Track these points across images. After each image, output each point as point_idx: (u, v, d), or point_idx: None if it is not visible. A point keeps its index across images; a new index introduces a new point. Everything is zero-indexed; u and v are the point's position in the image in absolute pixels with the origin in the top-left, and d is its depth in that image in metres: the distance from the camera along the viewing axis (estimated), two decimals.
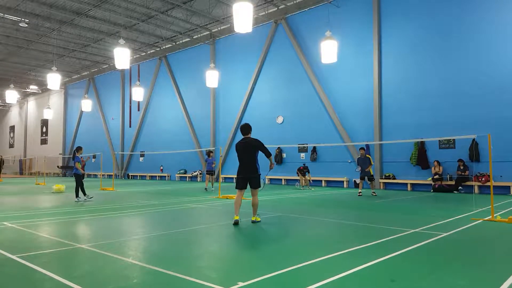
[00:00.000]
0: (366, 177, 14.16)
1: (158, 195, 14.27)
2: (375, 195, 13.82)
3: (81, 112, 36.74)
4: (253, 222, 7.48)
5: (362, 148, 14.32)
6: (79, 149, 12.59)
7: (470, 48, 15.30)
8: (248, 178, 7.43)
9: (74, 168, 12.36)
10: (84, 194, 12.30)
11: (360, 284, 3.79)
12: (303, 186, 17.82)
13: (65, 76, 37.26)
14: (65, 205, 11.05)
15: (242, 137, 7.68)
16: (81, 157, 12.93)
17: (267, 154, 7.40)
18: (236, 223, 7.25)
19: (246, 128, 7.58)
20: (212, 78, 20.98)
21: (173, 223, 7.94)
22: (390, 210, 9.90)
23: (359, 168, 14.09)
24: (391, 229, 6.75)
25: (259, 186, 7.50)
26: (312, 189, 16.86)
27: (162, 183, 23.49)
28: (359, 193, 14.09)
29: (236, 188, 7.58)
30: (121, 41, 18.84)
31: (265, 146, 7.53)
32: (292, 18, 21.12)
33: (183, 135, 27.12)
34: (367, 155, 14.31)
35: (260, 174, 7.52)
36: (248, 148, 7.43)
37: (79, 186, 12.17)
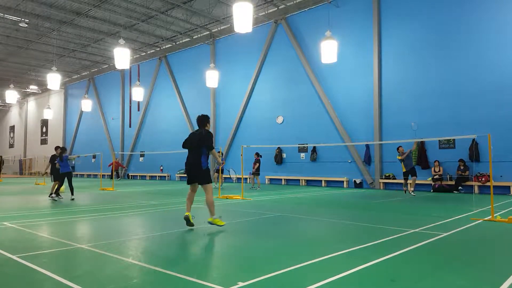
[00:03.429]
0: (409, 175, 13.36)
1: (158, 195, 14.27)
2: (414, 195, 13.28)
3: (81, 112, 36.74)
4: (209, 223, 6.66)
5: (400, 146, 13.72)
6: (65, 149, 12.74)
7: (470, 48, 15.30)
8: (193, 175, 6.79)
9: (63, 167, 12.30)
10: (57, 193, 12.39)
11: (360, 284, 3.79)
12: (253, 186, 17.68)
13: (65, 76, 37.25)
14: (65, 205, 11.05)
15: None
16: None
17: (210, 147, 6.76)
18: (185, 219, 6.55)
19: (201, 120, 7.00)
20: (212, 78, 20.98)
21: (173, 223, 7.92)
22: (390, 210, 9.90)
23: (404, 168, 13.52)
24: (391, 229, 6.75)
25: (208, 182, 6.74)
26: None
27: (162, 183, 23.49)
28: (406, 190, 13.58)
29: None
30: (121, 41, 18.84)
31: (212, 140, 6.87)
32: (292, 18, 21.12)
33: (183, 135, 26.56)
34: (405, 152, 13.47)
35: (206, 170, 6.75)
36: (196, 141, 6.79)
37: (70, 183, 12.34)
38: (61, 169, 12.34)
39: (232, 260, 4.87)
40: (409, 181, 13.96)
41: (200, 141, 6.75)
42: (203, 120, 7.00)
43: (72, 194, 12.49)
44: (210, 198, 6.66)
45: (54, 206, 10.76)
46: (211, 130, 25.01)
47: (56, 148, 13.09)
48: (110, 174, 29.25)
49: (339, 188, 17.90)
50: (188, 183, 6.89)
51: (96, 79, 36.23)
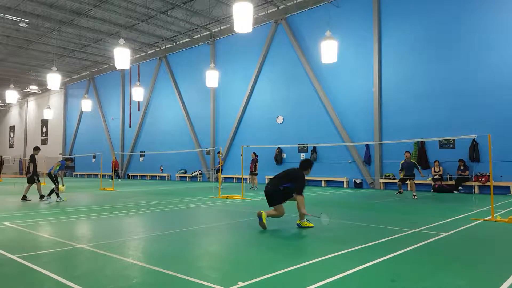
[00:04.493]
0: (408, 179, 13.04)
1: (158, 195, 14.27)
2: (415, 198, 12.73)
3: (81, 112, 36.72)
4: (297, 225, 7.08)
5: (407, 152, 13.49)
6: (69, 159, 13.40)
7: (470, 48, 15.29)
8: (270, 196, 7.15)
9: (51, 168, 12.49)
10: (49, 194, 12.48)
11: (360, 284, 3.79)
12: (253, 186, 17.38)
13: (65, 76, 37.25)
14: (65, 205, 11.06)
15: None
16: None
17: (297, 190, 6.93)
18: (258, 215, 6.80)
19: (303, 163, 7.30)
20: (212, 78, 20.97)
21: (173, 223, 7.93)
22: (390, 210, 9.89)
23: (402, 174, 13.25)
24: (391, 229, 6.75)
25: (278, 202, 7.03)
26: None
27: (162, 183, 23.49)
28: (399, 191, 13.49)
29: None
30: (121, 41, 18.82)
31: (302, 183, 7.00)
32: (292, 18, 21.11)
33: (183, 135, 27.12)
34: (412, 160, 13.16)
35: (283, 190, 7.01)
36: (288, 175, 7.13)
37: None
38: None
39: (232, 260, 4.87)
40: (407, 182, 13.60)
41: (293, 179, 6.99)
42: (304, 164, 7.24)
43: (46, 196, 12.37)
44: (299, 207, 6.91)
45: (54, 206, 10.76)
46: (211, 130, 25.08)
47: (35, 148, 13.31)
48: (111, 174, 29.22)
49: (339, 188, 17.89)
50: (270, 206, 7.14)
51: (96, 79, 36.22)
